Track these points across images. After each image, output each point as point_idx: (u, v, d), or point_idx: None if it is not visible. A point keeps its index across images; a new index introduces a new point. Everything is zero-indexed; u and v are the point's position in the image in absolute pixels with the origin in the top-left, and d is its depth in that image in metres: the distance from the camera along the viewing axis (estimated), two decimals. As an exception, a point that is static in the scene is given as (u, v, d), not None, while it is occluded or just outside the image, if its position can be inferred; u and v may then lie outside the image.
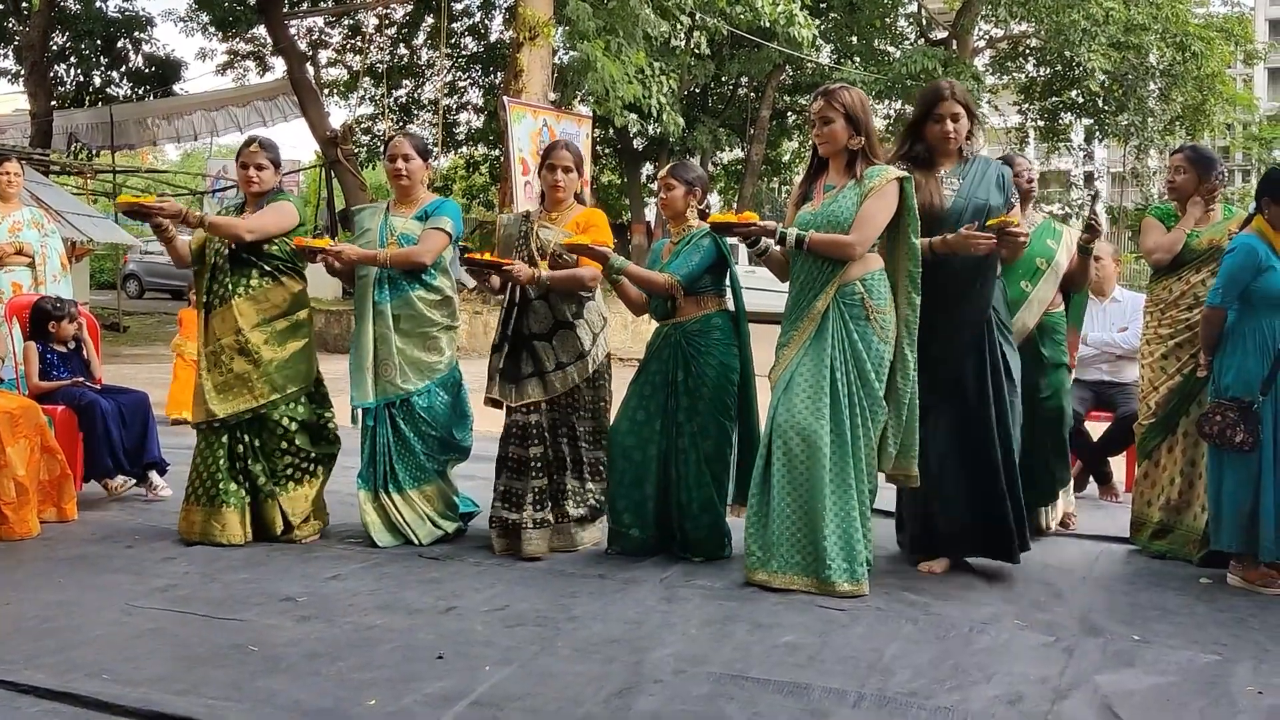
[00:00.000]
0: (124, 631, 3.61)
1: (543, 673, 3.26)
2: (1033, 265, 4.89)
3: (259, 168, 4.83)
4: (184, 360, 8.45)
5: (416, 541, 4.75)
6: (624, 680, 3.20)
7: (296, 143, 79.89)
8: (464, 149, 28.32)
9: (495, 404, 4.74)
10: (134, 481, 5.72)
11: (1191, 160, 4.84)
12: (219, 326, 4.77)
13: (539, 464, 4.64)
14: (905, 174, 4.20)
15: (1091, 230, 4.92)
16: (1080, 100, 24.15)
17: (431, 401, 4.84)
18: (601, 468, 4.74)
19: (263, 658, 3.37)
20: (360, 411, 4.82)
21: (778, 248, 4.28)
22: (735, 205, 26.44)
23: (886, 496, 5.15)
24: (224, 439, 4.77)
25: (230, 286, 4.77)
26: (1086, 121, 25.26)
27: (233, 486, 4.73)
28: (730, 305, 4.70)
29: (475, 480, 5.36)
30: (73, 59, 22.95)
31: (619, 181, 28.85)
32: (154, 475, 5.74)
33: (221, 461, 4.75)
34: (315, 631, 3.62)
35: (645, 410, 4.61)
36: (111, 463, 5.56)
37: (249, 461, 4.79)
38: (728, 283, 4.68)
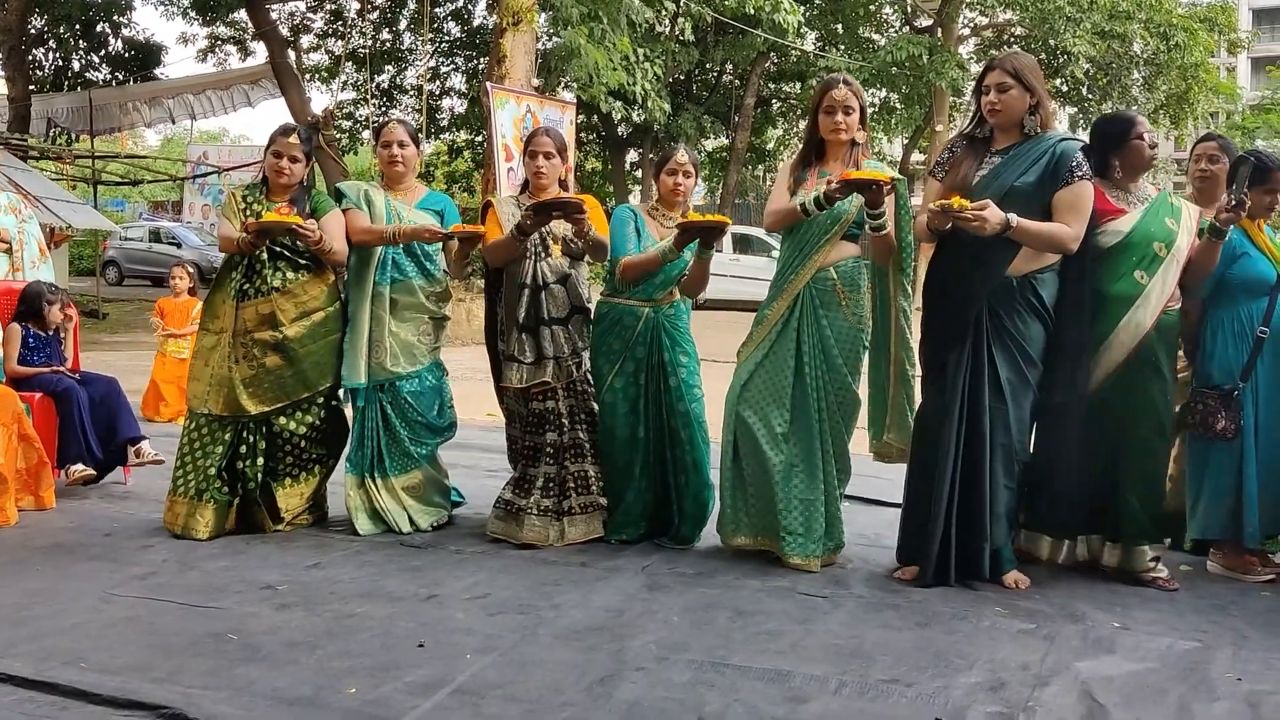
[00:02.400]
0: (101, 620, 3.58)
1: (524, 661, 3.25)
2: (1149, 251, 4.07)
3: (293, 160, 4.73)
4: (164, 359, 7.97)
5: (397, 529, 4.73)
6: (605, 668, 3.20)
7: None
8: (447, 135, 28.22)
9: (515, 392, 4.68)
10: (92, 472, 5.62)
11: (1224, 147, 4.64)
12: (251, 318, 4.64)
13: (552, 451, 4.62)
14: (898, 175, 4.27)
15: (1237, 209, 4.07)
16: (1064, 89, 24.20)
17: (420, 387, 4.82)
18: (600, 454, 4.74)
19: (241, 646, 3.35)
20: (350, 393, 4.79)
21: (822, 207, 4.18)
22: (720, 192, 26.45)
23: (871, 485, 5.18)
24: (227, 435, 4.67)
25: (268, 279, 4.66)
26: (1070, 110, 25.32)
27: (218, 483, 4.63)
28: None
29: (457, 469, 5.34)
30: (51, 43, 22.76)
31: (603, 168, 28.78)
32: (144, 445, 5.65)
33: (219, 459, 4.64)
34: (295, 620, 3.60)
35: (643, 398, 4.58)
36: (82, 451, 5.49)
37: (247, 462, 4.68)
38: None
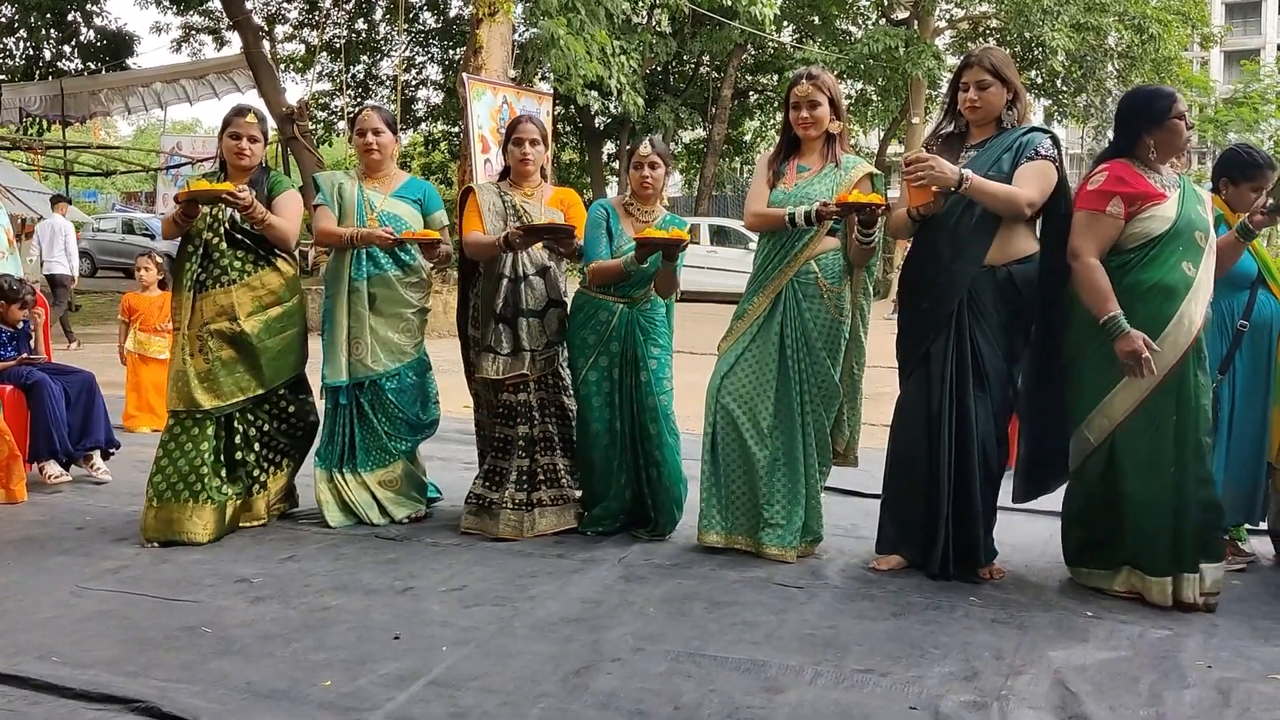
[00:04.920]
0: (73, 614, 3.55)
1: (500, 652, 3.25)
2: (1193, 241, 3.75)
3: (251, 140, 4.57)
4: (145, 360, 7.39)
5: (369, 522, 4.69)
6: (582, 659, 3.20)
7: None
8: (423, 125, 28.11)
9: (486, 381, 4.68)
10: (69, 477, 5.58)
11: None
12: (209, 309, 4.48)
13: (524, 443, 4.60)
14: (875, 170, 4.31)
15: (1274, 212, 3.90)
16: (1039, 81, 24.32)
17: (402, 384, 4.75)
18: (573, 448, 4.74)
19: (215, 639, 3.33)
20: (330, 390, 4.70)
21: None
22: (697, 185, 26.47)
23: (849, 476, 5.19)
24: (209, 430, 4.49)
25: (225, 269, 4.50)
26: (1045, 102, 25.45)
27: (216, 482, 4.45)
28: None
29: (433, 461, 5.32)
30: (22, 32, 22.51)
31: (580, 160, 28.73)
32: (96, 457, 5.64)
33: (207, 455, 4.45)
34: (270, 613, 3.58)
35: (617, 392, 4.57)
36: (56, 446, 5.44)
37: (243, 452, 4.58)
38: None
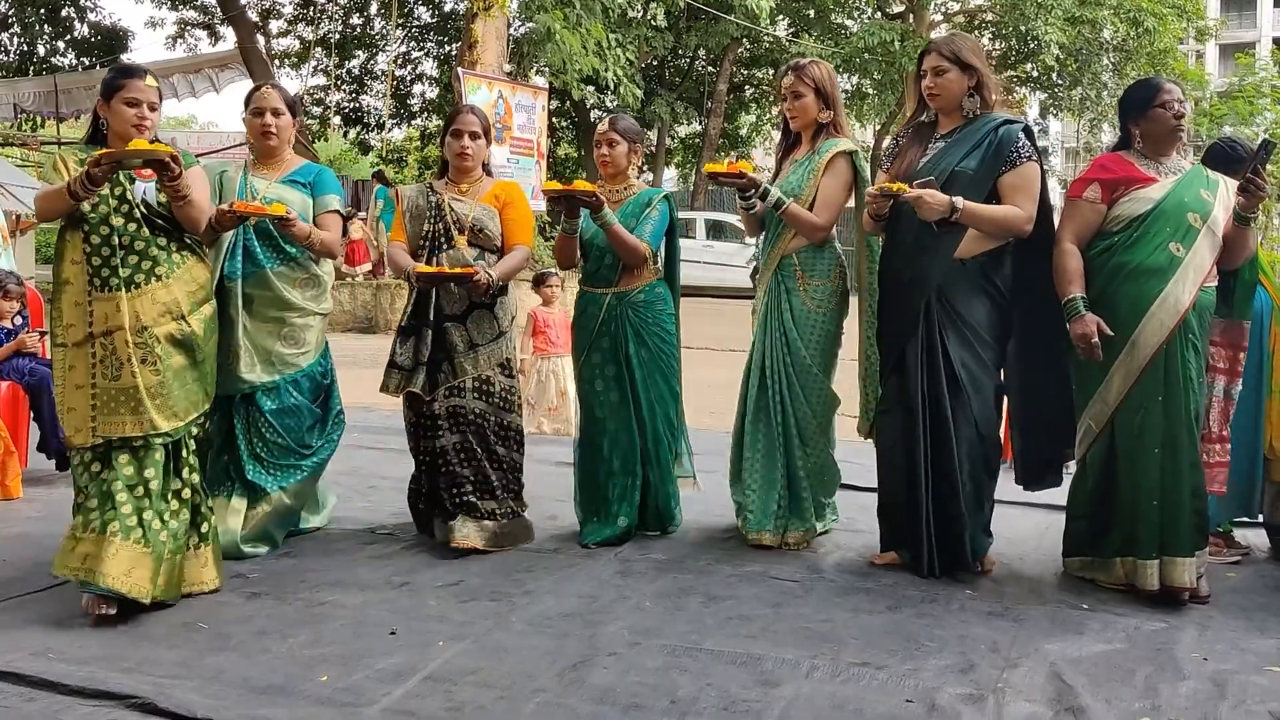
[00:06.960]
0: (69, 609, 3.54)
1: (496, 647, 3.25)
2: (1183, 222, 3.75)
3: (151, 107, 3.75)
4: None
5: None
6: (578, 654, 3.20)
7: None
8: (418, 121, 28.07)
9: (400, 393, 4.33)
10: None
11: None
12: (149, 309, 3.65)
13: (440, 456, 4.30)
14: (854, 147, 4.31)
15: (1251, 193, 3.72)
16: (1035, 74, 24.33)
17: (283, 403, 4.24)
18: (513, 463, 4.43)
19: (211, 635, 3.33)
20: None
21: (758, 203, 4.29)
22: (693, 179, 26.47)
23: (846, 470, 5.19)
24: (158, 456, 3.68)
25: (156, 259, 3.70)
26: (1041, 96, 25.48)
27: (158, 524, 3.60)
28: (662, 272, 4.57)
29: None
30: (16, 28, 22.47)
31: (576, 154, 28.70)
32: None
33: (155, 486, 3.65)
34: (266, 608, 3.58)
35: (614, 391, 4.47)
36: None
37: (186, 473, 3.75)
38: (661, 249, 4.55)
